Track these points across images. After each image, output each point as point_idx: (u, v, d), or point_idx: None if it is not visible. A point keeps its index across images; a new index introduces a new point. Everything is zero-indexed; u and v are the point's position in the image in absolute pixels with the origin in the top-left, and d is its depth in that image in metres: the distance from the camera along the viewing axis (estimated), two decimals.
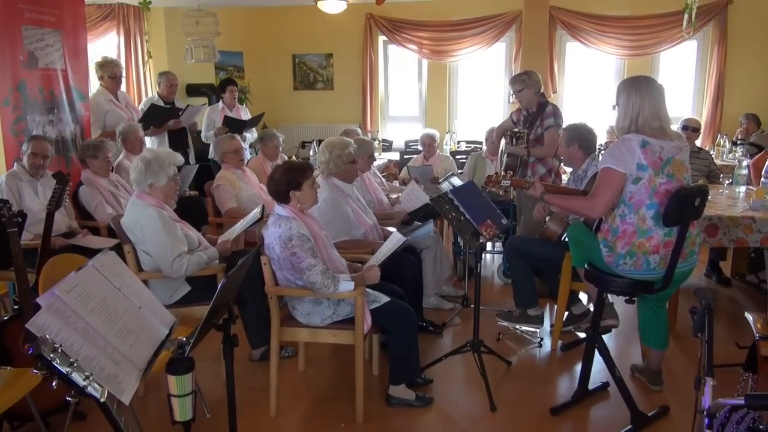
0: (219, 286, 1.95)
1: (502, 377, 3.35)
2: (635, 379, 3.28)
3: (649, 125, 2.68)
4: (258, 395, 3.08)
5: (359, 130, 5.83)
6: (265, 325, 3.04)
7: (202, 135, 6.14)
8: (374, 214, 3.91)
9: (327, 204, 3.51)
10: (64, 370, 1.34)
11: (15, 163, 4.02)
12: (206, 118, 6.17)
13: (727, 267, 4.95)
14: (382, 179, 5.24)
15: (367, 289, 2.89)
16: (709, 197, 3.40)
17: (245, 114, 6.34)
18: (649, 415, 2.87)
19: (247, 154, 5.59)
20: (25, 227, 3.41)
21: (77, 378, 1.37)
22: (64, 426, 2.62)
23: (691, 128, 4.86)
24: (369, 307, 2.88)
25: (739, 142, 6.48)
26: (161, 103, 5.69)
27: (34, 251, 3.19)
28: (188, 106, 5.68)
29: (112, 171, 4.43)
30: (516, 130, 4.36)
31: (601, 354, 2.91)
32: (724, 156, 6.41)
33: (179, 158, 3.25)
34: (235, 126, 5.77)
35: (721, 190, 4.51)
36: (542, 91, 4.43)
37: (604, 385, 3.17)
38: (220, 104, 6.22)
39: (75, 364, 1.36)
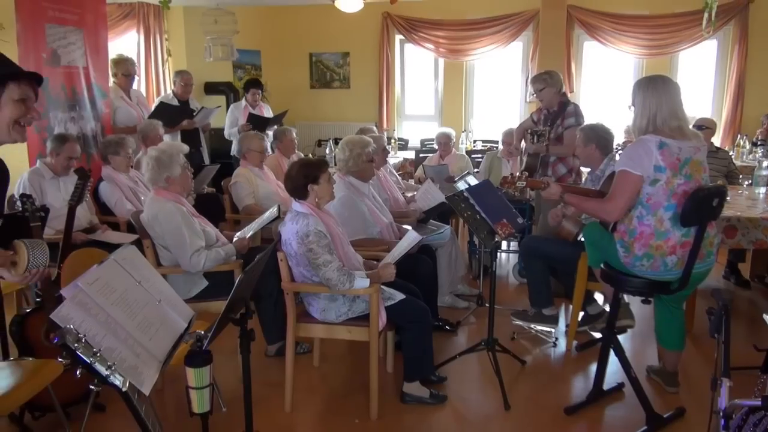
0: (236, 281, 1.97)
1: (516, 376, 3.35)
2: (651, 380, 3.26)
3: (668, 125, 2.66)
4: (273, 390, 3.11)
5: (375, 129, 5.84)
6: (281, 321, 3.08)
7: (225, 132, 6.13)
8: (390, 212, 3.92)
9: (342, 203, 3.53)
10: (87, 359, 1.38)
11: (38, 160, 4.08)
12: (229, 116, 6.16)
13: (746, 269, 4.89)
14: (398, 178, 5.25)
15: (382, 287, 2.91)
16: (729, 198, 3.37)
17: (267, 112, 6.33)
18: (665, 416, 2.86)
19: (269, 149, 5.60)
20: (47, 223, 3.47)
21: (100, 367, 1.40)
22: (84, 416, 2.68)
23: (705, 127, 4.79)
24: (384, 305, 2.89)
25: (759, 142, 6.40)
26: (175, 102, 5.67)
27: (56, 246, 3.24)
28: (203, 108, 5.69)
29: (131, 167, 4.48)
30: (537, 128, 4.34)
31: (616, 354, 2.90)
32: (744, 157, 6.33)
33: (184, 146, 3.31)
34: (259, 123, 5.75)
35: (740, 191, 4.45)
36: (563, 90, 4.41)
37: (619, 386, 3.15)
38: (243, 102, 6.23)
39: (98, 354, 1.40)
